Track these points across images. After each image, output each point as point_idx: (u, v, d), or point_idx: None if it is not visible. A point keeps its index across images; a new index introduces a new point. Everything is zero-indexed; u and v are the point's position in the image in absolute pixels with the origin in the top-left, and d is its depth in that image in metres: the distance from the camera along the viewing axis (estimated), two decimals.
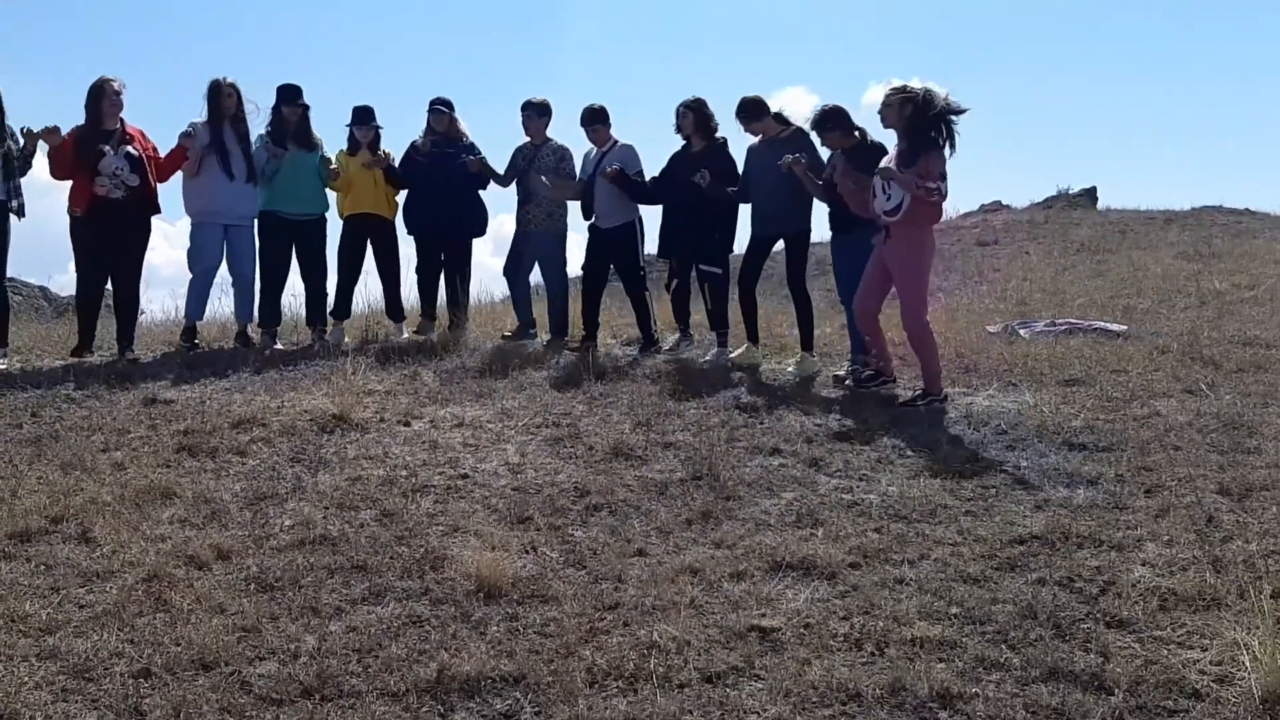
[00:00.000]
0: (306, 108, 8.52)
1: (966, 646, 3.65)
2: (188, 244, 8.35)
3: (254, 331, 8.66)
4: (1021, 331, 9.38)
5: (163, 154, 8.05)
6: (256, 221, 8.50)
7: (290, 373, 7.59)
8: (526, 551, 4.36)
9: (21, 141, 7.50)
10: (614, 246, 8.61)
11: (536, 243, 8.93)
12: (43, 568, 4.04)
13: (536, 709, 3.21)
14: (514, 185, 8.99)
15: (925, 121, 6.57)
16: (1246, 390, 6.86)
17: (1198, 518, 4.78)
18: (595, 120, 8.57)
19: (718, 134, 8.26)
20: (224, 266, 8.43)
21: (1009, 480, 5.37)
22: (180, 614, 3.64)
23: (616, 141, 8.63)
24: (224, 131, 8.14)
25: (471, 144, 8.91)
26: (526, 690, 3.29)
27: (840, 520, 4.86)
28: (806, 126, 7.53)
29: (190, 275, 8.38)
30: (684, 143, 8.34)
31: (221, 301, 8.88)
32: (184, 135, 8.02)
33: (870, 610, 3.91)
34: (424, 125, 8.89)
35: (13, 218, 7.50)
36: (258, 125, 8.40)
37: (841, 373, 7.49)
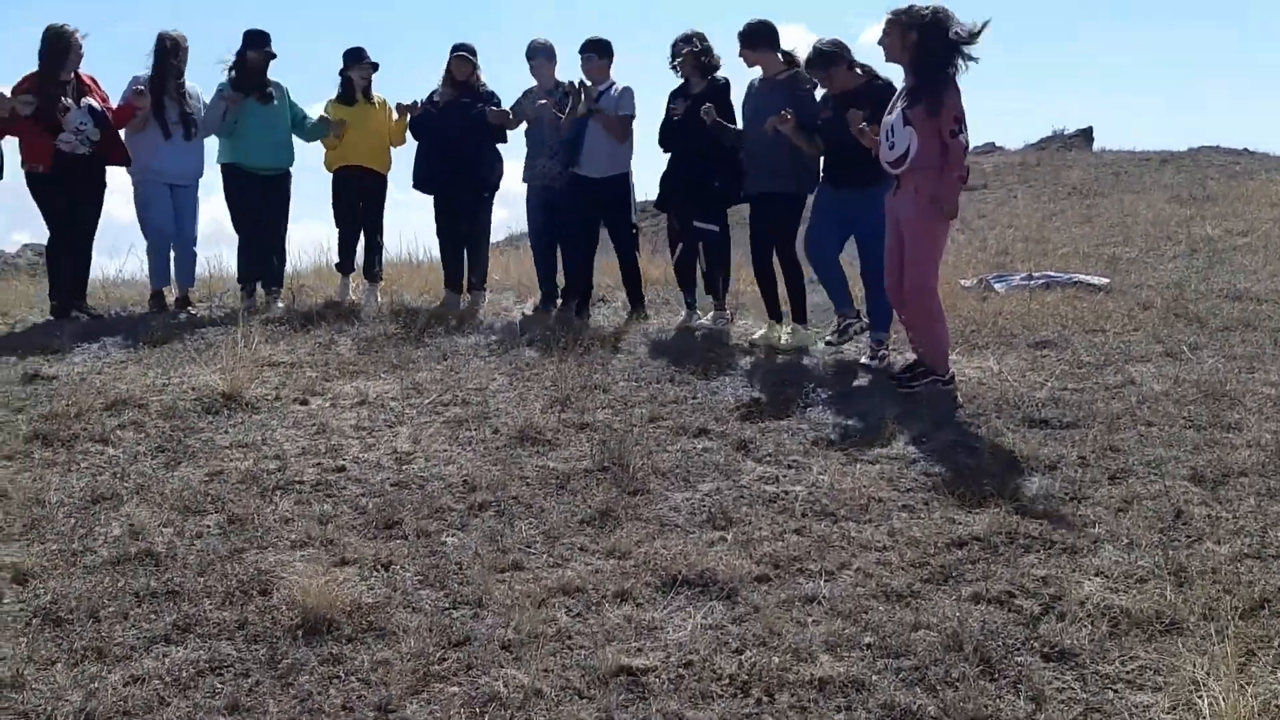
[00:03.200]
0: (273, 55, 7.85)
1: (875, 690, 3.06)
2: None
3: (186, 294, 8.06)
4: (996, 286, 8.73)
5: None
6: (221, 176, 7.98)
7: (198, 341, 6.98)
8: (378, 569, 3.76)
9: None
10: (604, 199, 7.67)
11: (550, 199, 7.93)
12: None
13: None
14: (524, 141, 8.09)
15: (937, 50, 5.45)
16: (1232, 352, 6.24)
17: (1165, 512, 4.18)
18: (592, 51, 7.66)
19: (718, 73, 7.30)
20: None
21: (956, 466, 4.76)
22: None
23: (614, 82, 7.68)
24: (163, 88, 7.53)
25: (490, 92, 8.06)
26: None
27: (757, 518, 4.26)
28: (815, 77, 6.49)
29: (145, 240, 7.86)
30: (681, 82, 7.38)
31: (210, 263, 8.53)
32: (137, 94, 7.44)
33: (767, 641, 3.31)
34: (442, 73, 8.05)
35: None
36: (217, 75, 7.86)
37: (830, 336, 6.70)
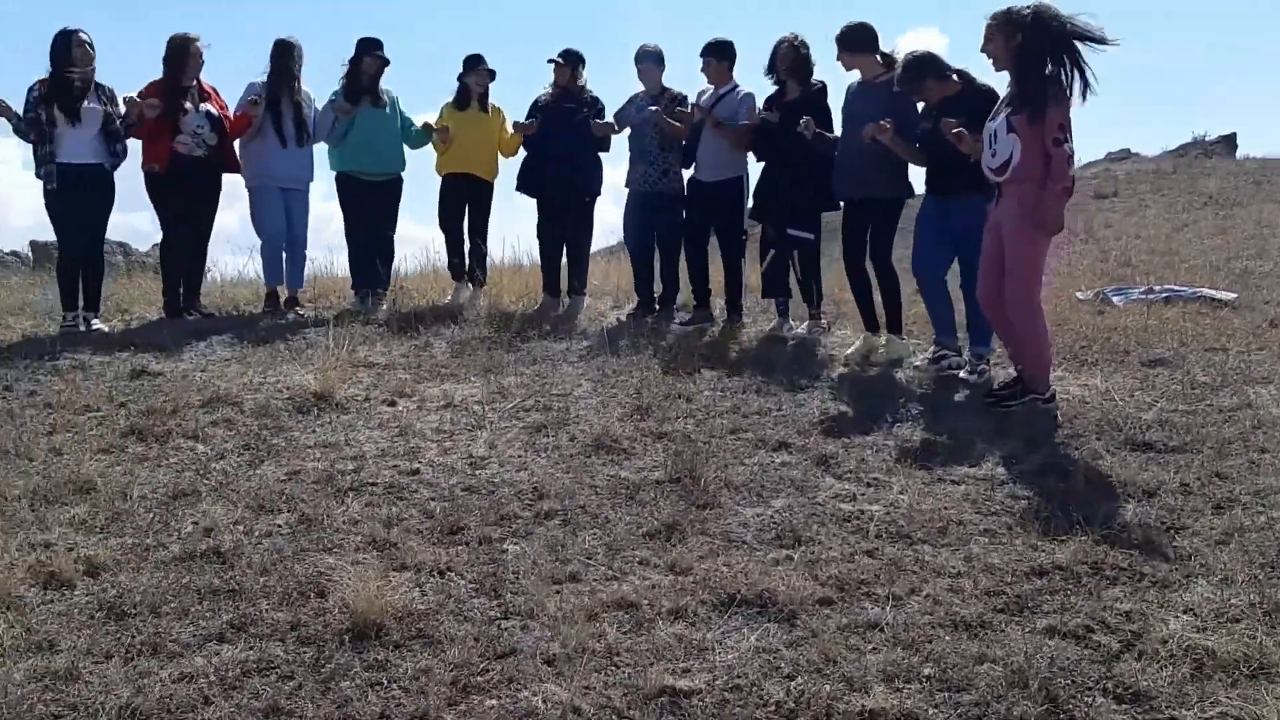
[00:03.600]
0: (386, 62, 8.03)
1: None
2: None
3: (285, 295, 8.30)
4: (1115, 299, 8.35)
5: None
6: (335, 184, 8.22)
7: (299, 342, 7.14)
8: (436, 575, 3.75)
9: (124, 109, 7.41)
10: (717, 204, 7.57)
11: (652, 204, 7.92)
12: None
13: None
14: (626, 146, 8.11)
15: (1040, 52, 5.17)
16: None
17: (1268, 546, 3.89)
18: (711, 54, 7.55)
19: (814, 78, 7.14)
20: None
21: (1045, 490, 4.53)
22: None
23: (737, 86, 7.57)
24: (280, 94, 7.78)
25: (594, 98, 8.11)
26: None
27: (828, 538, 4.12)
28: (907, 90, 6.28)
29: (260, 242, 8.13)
30: (777, 88, 7.25)
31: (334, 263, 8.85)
32: (251, 103, 7.70)
33: (821, 668, 3.18)
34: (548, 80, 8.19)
35: None
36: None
37: (921, 361, 6.47)
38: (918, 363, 6.51)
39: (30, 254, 13.25)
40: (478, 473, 4.78)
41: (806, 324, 7.32)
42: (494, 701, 2.97)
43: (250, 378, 6.27)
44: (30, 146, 7.22)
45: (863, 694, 3.04)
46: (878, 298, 6.86)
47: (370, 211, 8.19)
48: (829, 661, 3.22)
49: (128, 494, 4.46)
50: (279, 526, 4.15)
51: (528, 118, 8.07)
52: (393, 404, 5.89)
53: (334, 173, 8.20)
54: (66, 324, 7.41)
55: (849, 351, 6.78)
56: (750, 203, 7.53)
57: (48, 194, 7.23)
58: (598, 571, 3.81)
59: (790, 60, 7.05)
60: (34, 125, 7.12)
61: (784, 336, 7.22)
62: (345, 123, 7.96)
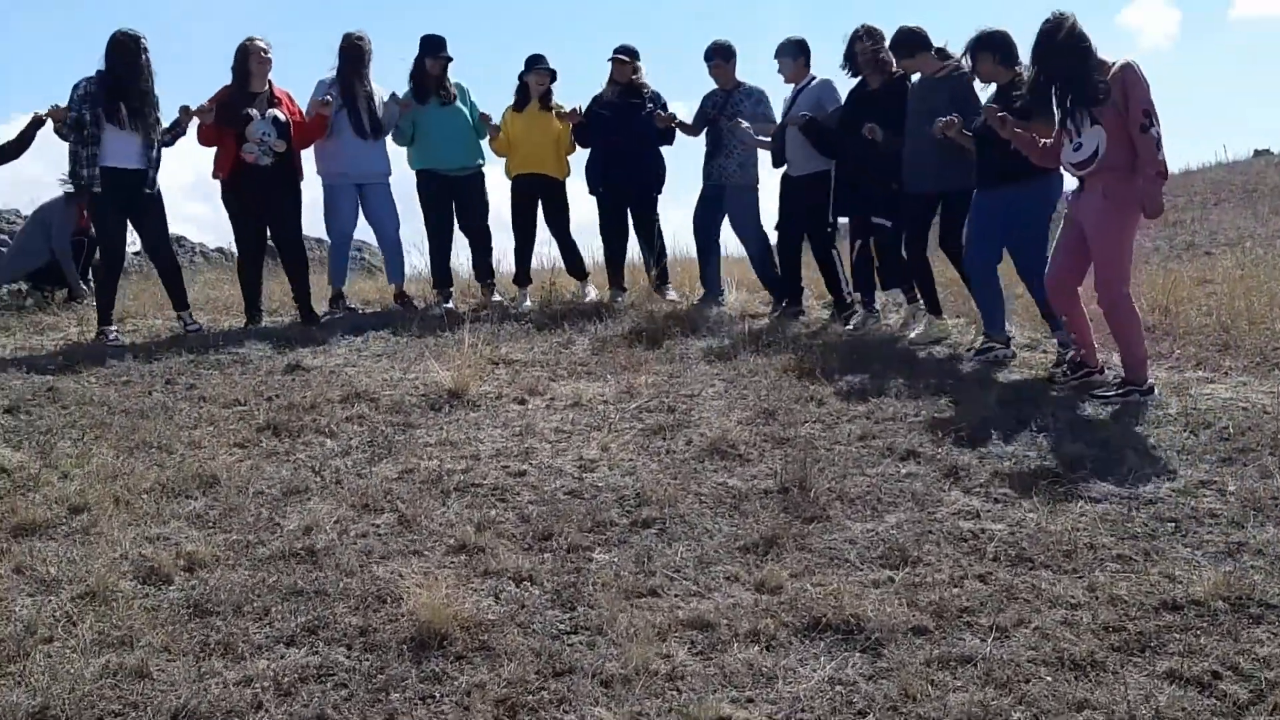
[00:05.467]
0: (449, 59, 8.13)
1: None
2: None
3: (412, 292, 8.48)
4: None
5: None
6: (415, 182, 8.32)
7: (445, 338, 7.25)
8: (516, 582, 3.68)
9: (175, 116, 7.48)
10: (806, 196, 7.60)
11: (729, 198, 8.10)
12: (13, 572, 3.80)
13: None
14: (701, 137, 8.21)
15: (1065, 49, 5.19)
16: None
17: None
18: (787, 54, 7.64)
19: (895, 68, 6.97)
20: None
21: (1197, 512, 4.09)
22: (73, 646, 3.25)
23: (814, 77, 7.65)
24: (355, 87, 7.87)
25: (655, 94, 8.19)
26: None
27: (939, 559, 3.83)
28: (966, 62, 6.24)
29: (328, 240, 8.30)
30: (857, 81, 7.22)
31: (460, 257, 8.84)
32: (323, 104, 7.74)
33: (898, 705, 2.93)
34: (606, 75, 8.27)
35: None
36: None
37: (969, 351, 6.54)
38: (966, 351, 6.57)
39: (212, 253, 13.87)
40: (584, 476, 4.70)
41: (909, 308, 7.22)
42: None
43: (391, 374, 6.41)
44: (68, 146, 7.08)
45: None
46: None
47: (452, 206, 8.26)
48: (907, 697, 2.96)
49: (246, 489, 4.60)
50: (376, 527, 4.18)
51: (586, 115, 8.14)
52: (522, 402, 5.89)
53: (414, 171, 8.29)
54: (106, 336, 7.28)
55: (915, 333, 6.94)
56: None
57: (94, 197, 7.17)
58: (680, 587, 3.66)
59: (867, 53, 6.97)
60: (76, 126, 6.99)
61: (911, 337, 7.02)
62: (409, 120, 8.05)
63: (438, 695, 3.01)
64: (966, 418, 5.27)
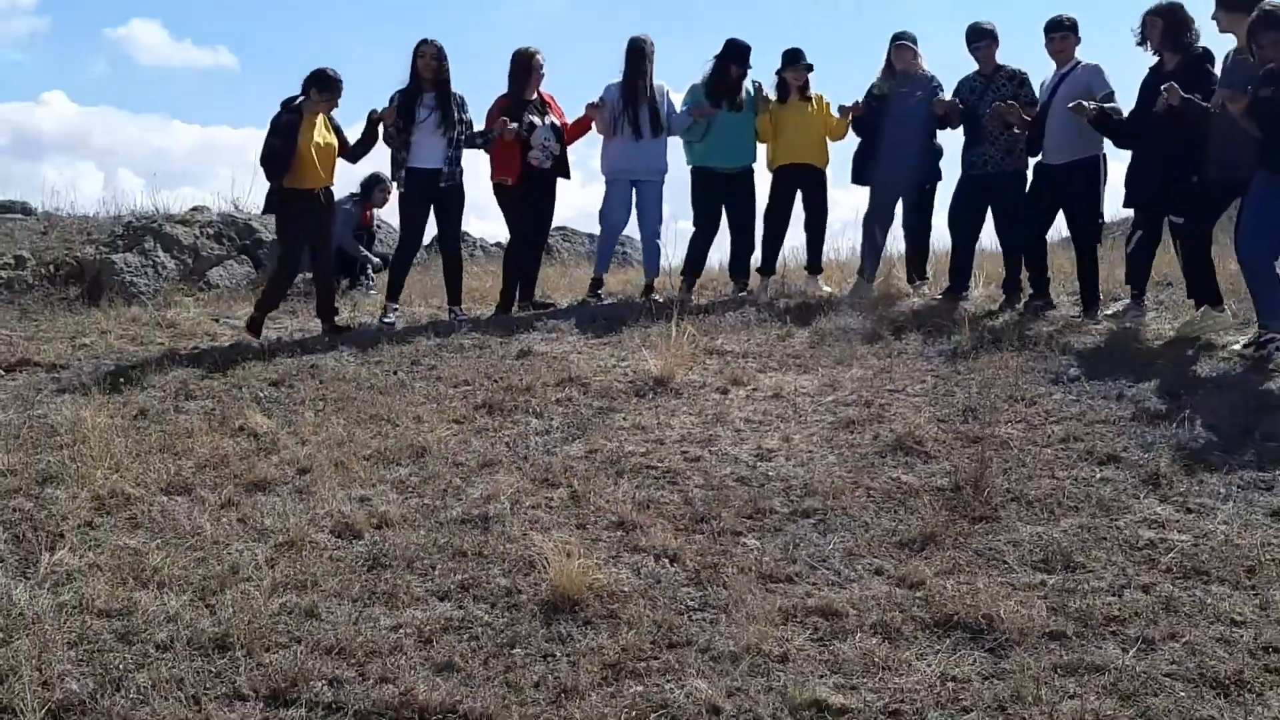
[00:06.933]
0: (749, 68, 8.28)
1: None
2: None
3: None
4: None
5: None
6: (690, 177, 8.52)
7: (664, 328, 7.45)
8: (661, 560, 3.82)
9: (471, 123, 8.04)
10: (1067, 187, 7.13)
11: (993, 186, 7.64)
12: (239, 522, 4.34)
13: None
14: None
15: None
16: None
17: None
18: (1055, 30, 7.16)
19: (1196, 45, 6.42)
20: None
21: None
22: (262, 586, 3.68)
23: (1079, 61, 7.16)
24: (637, 88, 8.19)
25: (930, 76, 7.96)
26: None
27: (1104, 566, 3.65)
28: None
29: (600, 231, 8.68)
30: (1155, 60, 6.60)
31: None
32: (591, 106, 8.18)
33: (1006, 705, 2.86)
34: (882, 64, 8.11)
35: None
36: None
37: (1241, 347, 5.83)
38: (1238, 347, 5.88)
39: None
40: (759, 465, 4.77)
41: (1202, 311, 6.48)
42: (639, 688, 3.01)
43: (606, 360, 6.69)
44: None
45: None
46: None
47: (722, 202, 8.39)
48: (1017, 700, 2.89)
49: (449, 460, 4.99)
50: (548, 499, 4.45)
51: (863, 102, 7.98)
52: (725, 392, 6.01)
53: (689, 167, 8.46)
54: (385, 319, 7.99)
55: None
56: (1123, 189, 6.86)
57: (400, 197, 8.00)
58: (820, 576, 3.68)
59: (1160, 29, 6.37)
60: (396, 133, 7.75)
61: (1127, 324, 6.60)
62: (700, 127, 8.20)
63: (557, 654, 3.22)
64: (1188, 425, 4.90)
